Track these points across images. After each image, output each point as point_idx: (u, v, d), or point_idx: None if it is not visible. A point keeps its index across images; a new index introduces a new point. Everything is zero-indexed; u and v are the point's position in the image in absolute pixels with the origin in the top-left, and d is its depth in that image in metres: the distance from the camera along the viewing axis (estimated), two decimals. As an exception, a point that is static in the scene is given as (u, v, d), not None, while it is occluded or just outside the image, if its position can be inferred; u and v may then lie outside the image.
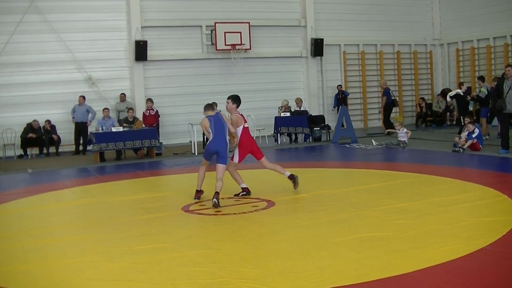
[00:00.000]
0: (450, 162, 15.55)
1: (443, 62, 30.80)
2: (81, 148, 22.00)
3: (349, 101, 27.76)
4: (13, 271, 7.16)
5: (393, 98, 25.02)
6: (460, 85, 21.79)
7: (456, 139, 17.51)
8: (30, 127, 21.64)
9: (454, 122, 26.02)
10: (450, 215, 8.81)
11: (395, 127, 19.91)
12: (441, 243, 7.25)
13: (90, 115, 21.87)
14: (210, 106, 11.51)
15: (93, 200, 12.42)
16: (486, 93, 20.05)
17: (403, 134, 19.14)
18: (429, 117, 27.34)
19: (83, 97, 21.96)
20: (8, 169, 18.31)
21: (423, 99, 28.03)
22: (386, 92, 24.69)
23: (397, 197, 10.50)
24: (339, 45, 28.48)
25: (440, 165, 15.16)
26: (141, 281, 6.45)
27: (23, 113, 22.17)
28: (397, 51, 29.78)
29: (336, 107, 26.63)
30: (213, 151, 10.90)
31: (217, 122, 11.00)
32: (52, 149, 21.90)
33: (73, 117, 21.87)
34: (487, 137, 19.82)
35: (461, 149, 16.80)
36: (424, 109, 27.47)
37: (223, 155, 10.81)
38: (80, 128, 21.83)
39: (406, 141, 19.03)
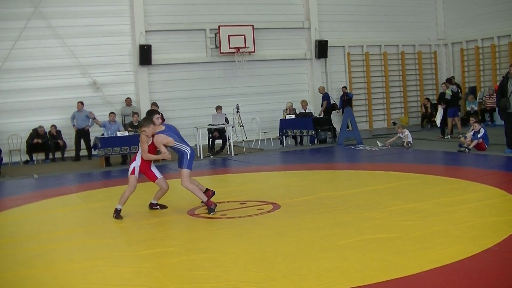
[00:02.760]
0: (456, 162, 15.53)
1: (447, 62, 30.75)
2: (85, 153, 21.97)
3: (354, 103, 27.74)
4: (19, 276, 7.17)
5: (332, 102, 24.95)
6: (446, 83, 21.80)
7: (462, 139, 17.48)
8: (36, 133, 21.69)
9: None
10: (456, 215, 8.79)
11: (397, 131, 19.87)
12: (447, 244, 7.24)
13: (90, 120, 21.82)
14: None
15: (99, 205, 12.43)
16: (451, 94, 20.78)
17: (407, 135, 19.12)
18: (434, 118, 27.26)
19: (82, 103, 21.93)
20: (14, 174, 18.35)
21: (428, 99, 27.97)
22: (326, 97, 24.60)
23: (402, 198, 10.48)
24: (343, 46, 28.46)
25: (445, 166, 15.18)
26: (146, 285, 6.46)
27: (28, 119, 22.22)
28: (401, 52, 29.75)
29: (341, 109, 26.61)
30: None
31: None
32: (57, 155, 21.95)
33: (74, 124, 21.86)
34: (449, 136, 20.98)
35: (466, 149, 16.77)
36: (429, 110, 27.40)
37: None
38: (81, 134, 21.83)
39: (411, 142, 19.01)
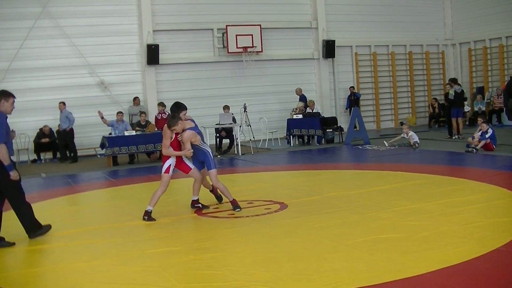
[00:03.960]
0: (463, 162, 15.51)
1: (455, 62, 30.69)
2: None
3: (361, 103, 27.71)
4: (26, 275, 7.21)
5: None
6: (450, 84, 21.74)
7: (470, 139, 17.44)
8: (43, 132, 21.74)
9: (467, 123, 25.93)
10: (463, 216, 8.78)
11: (402, 131, 19.84)
12: (454, 244, 7.23)
13: (71, 121, 21.42)
14: None
15: (106, 204, 12.48)
16: (454, 94, 20.84)
17: (411, 135, 19.10)
18: (441, 118, 27.22)
19: (63, 103, 21.58)
20: (22, 173, 18.25)
21: (435, 99, 27.90)
22: (303, 98, 24.49)
23: (409, 198, 10.46)
24: (351, 46, 28.44)
25: (453, 166, 15.15)
26: (154, 284, 6.46)
27: (36, 118, 22.28)
28: (409, 52, 29.71)
29: (349, 109, 26.59)
30: None
31: None
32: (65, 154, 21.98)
33: (59, 124, 21.88)
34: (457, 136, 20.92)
35: (474, 150, 16.74)
36: (436, 110, 27.36)
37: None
38: (62, 135, 21.69)
39: (418, 142, 18.98)
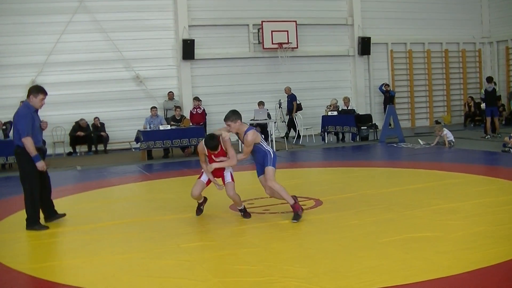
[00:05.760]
0: (499, 162, 15.36)
1: (492, 60, 30.37)
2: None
3: (396, 100, 27.54)
4: (63, 266, 7.31)
5: (298, 102, 24.63)
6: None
7: (506, 138, 17.26)
8: (78, 126, 21.96)
9: (503, 122, 25.71)
10: (499, 216, 8.71)
11: (435, 132, 19.66)
12: (490, 245, 7.18)
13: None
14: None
15: (141, 197, 12.57)
16: (484, 93, 21.08)
17: (445, 134, 18.94)
18: (477, 117, 26.99)
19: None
20: (57, 166, 18.57)
21: (471, 98, 27.67)
22: (293, 97, 24.32)
23: (444, 197, 10.40)
24: (386, 43, 28.30)
25: (488, 165, 15.02)
26: (189, 278, 6.50)
27: (72, 111, 22.51)
28: (445, 50, 29.46)
29: (383, 106, 26.46)
30: None
31: None
32: (100, 147, 22.19)
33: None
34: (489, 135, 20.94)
35: (510, 149, 16.58)
36: (472, 109, 27.13)
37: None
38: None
39: (453, 141, 18.82)
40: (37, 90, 9.26)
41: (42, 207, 9.59)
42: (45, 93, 9.32)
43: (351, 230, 8.26)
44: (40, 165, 9.11)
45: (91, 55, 23.26)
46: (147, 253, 7.66)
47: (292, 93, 24.45)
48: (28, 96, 9.29)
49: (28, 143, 8.97)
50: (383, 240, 7.62)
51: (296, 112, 23.81)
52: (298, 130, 23.03)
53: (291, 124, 24.00)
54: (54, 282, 6.63)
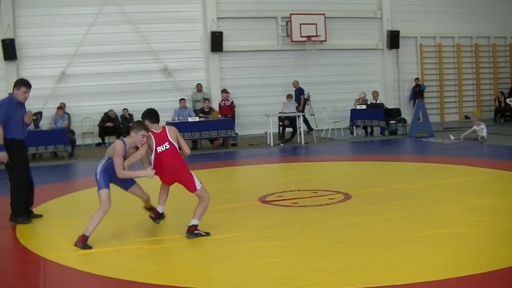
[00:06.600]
0: (531, 158, 15.23)
1: (523, 55, 30.10)
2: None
3: (425, 94, 27.37)
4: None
5: (306, 96, 24.47)
6: None
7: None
8: (107, 116, 22.11)
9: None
10: (531, 213, 8.64)
11: (473, 123, 19.48)
12: (523, 242, 7.11)
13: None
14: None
15: (170, 189, 12.57)
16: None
17: (482, 128, 18.76)
18: (507, 112, 26.74)
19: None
20: (87, 156, 18.71)
21: (502, 93, 27.43)
22: (301, 91, 24.20)
23: (475, 193, 10.30)
24: (416, 37, 28.15)
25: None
26: (218, 270, 6.54)
27: (101, 102, 22.69)
28: (475, 44, 29.24)
29: (412, 100, 26.32)
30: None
31: None
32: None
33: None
34: None
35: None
36: (502, 104, 26.89)
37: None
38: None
39: (485, 136, 18.65)
40: (19, 83, 9.22)
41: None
42: (28, 86, 9.25)
43: (380, 225, 8.22)
44: (1, 155, 9.01)
45: (120, 47, 23.43)
46: (174, 243, 7.71)
47: (300, 87, 24.39)
48: (13, 88, 9.27)
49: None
50: (414, 235, 7.55)
51: (303, 106, 23.74)
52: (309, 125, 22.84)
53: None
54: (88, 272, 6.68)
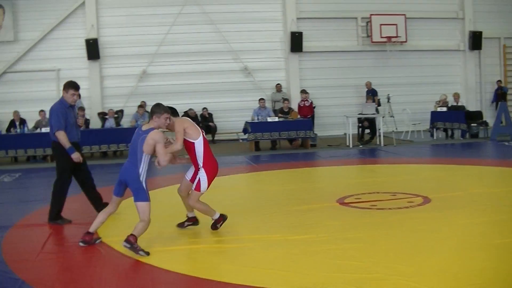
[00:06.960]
0: None
1: None
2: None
3: (508, 97, 26.77)
4: (159, 252, 7.45)
5: (378, 98, 23.84)
6: None
7: None
8: (187, 115, 22.35)
9: None
10: None
11: None
12: None
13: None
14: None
15: (249, 188, 12.68)
16: None
17: None
18: None
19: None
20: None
21: None
22: (374, 92, 23.69)
23: (559, 199, 10.07)
24: (499, 38, 27.49)
25: None
26: (294, 271, 6.52)
27: (180, 101, 22.85)
28: (562, 44, 28.45)
29: (495, 103, 25.79)
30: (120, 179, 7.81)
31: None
32: (208, 137, 22.40)
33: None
34: None
35: None
36: None
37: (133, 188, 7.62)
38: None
39: None
40: (68, 86, 9.24)
41: (90, 201, 9.83)
42: (76, 87, 9.27)
43: (460, 230, 8.09)
44: (75, 156, 9.15)
45: (200, 46, 23.73)
46: (253, 243, 7.75)
47: (373, 88, 24.15)
48: (62, 91, 9.34)
49: (60, 136, 9.05)
50: (495, 242, 7.39)
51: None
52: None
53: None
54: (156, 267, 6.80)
